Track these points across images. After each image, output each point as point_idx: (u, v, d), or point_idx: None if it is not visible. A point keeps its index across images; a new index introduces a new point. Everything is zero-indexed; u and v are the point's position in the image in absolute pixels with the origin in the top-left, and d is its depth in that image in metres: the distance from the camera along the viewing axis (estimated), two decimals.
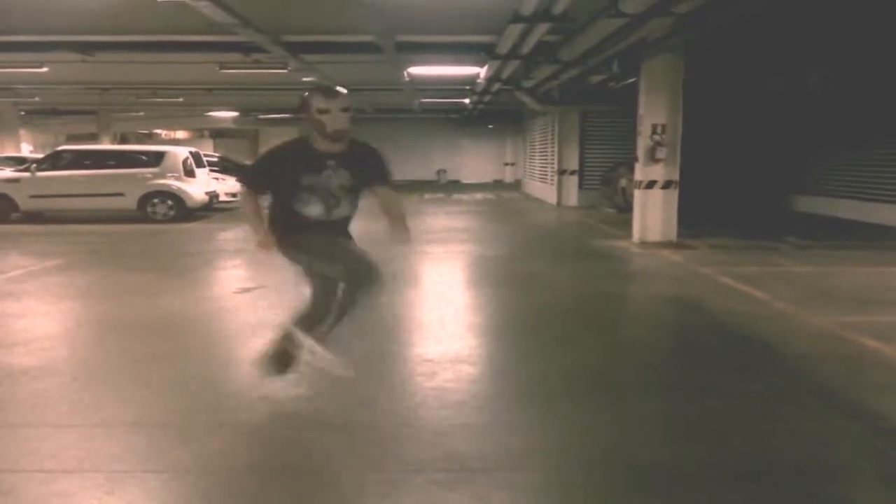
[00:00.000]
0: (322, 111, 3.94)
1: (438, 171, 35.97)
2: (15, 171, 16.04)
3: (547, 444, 3.75)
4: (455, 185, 33.36)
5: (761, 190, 18.49)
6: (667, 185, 11.39)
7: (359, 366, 4.60)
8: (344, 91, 4.11)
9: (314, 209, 4.07)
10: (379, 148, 4.33)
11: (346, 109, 3.99)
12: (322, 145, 4.05)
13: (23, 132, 28.88)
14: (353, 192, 4.17)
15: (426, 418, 4.07)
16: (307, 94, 4.06)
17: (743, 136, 18.73)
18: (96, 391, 4.53)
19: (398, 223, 4.36)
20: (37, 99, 23.29)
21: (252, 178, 4.31)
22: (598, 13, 9.50)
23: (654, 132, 11.19)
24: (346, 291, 4.17)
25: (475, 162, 37.30)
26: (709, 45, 11.66)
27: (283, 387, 4.58)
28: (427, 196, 25.27)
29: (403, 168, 34.81)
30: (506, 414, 4.20)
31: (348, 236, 4.33)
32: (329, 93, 4.03)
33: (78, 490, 3.17)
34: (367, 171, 4.21)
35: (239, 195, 4.42)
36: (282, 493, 3.21)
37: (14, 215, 15.16)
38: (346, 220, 4.27)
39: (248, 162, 22.96)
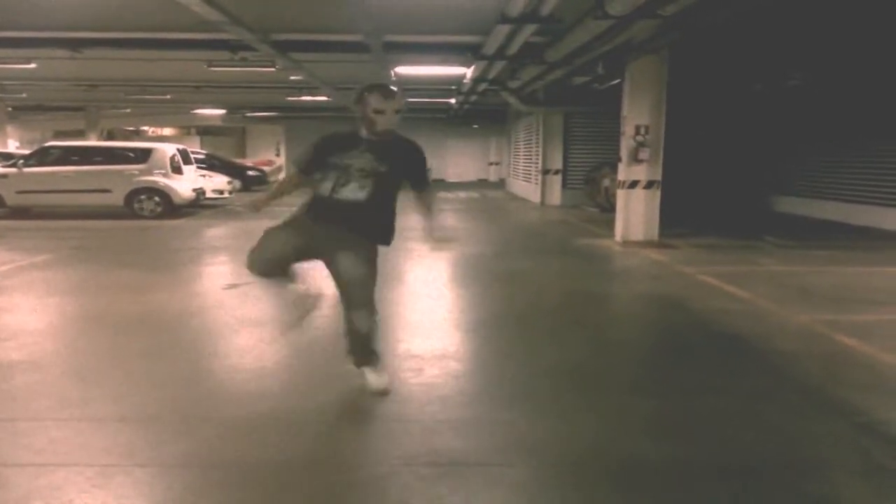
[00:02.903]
0: (377, 111, 4.03)
1: None
2: (2, 166, 15.97)
3: (532, 440, 3.81)
4: (440, 184, 33.30)
5: (743, 190, 18.68)
6: (649, 185, 11.50)
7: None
8: (398, 92, 4.17)
9: (325, 186, 4.11)
10: (422, 148, 4.31)
11: (398, 111, 4.10)
12: (365, 134, 4.15)
13: (9, 128, 28.70)
14: (374, 180, 4.09)
15: (413, 413, 4.13)
16: (366, 89, 4.11)
17: (725, 137, 18.91)
18: (84, 386, 4.56)
19: (429, 227, 4.42)
20: (24, 95, 23.17)
21: (301, 157, 4.34)
22: (585, 15, 9.59)
23: (637, 133, 11.30)
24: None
25: (460, 161, 37.33)
26: (692, 47, 11.78)
27: (271, 382, 4.65)
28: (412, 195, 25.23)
29: None
30: (492, 410, 4.26)
31: (355, 235, 4.17)
32: (387, 94, 4.08)
33: (67, 483, 3.19)
34: (402, 168, 4.20)
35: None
36: (269, 486, 3.25)
37: (0, 211, 15.10)
38: (357, 207, 4.10)
39: (236, 160, 22.98)
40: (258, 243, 4.26)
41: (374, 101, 4.03)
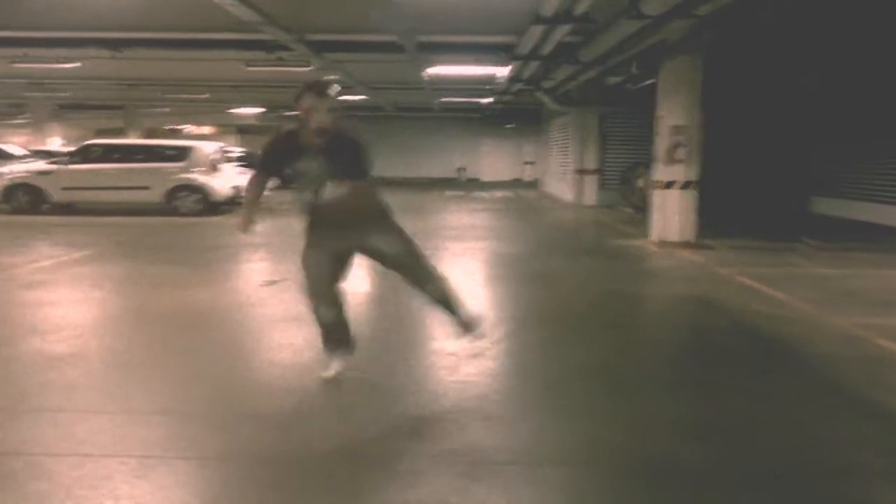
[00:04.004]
0: (311, 108, 4.11)
1: (458, 170, 36.04)
2: (46, 163, 16.32)
3: (567, 439, 3.82)
4: (475, 184, 33.34)
5: (780, 191, 18.39)
6: (685, 185, 11.38)
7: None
8: (335, 90, 4.27)
9: (306, 194, 4.27)
10: (361, 141, 4.29)
11: (332, 109, 4.17)
12: (306, 134, 4.20)
13: (54, 126, 29.28)
14: (340, 176, 4.19)
15: (449, 411, 4.16)
16: (302, 87, 4.20)
17: (762, 137, 18.63)
18: (126, 379, 4.66)
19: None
20: (67, 94, 23.63)
21: (260, 163, 4.55)
22: (619, 14, 9.56)
23: (673, 133, 11.20)
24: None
25: (494, 160, 37.26)
26: (728, 44, 11.65)
27: (309, 379, 4.69)
28: (448, 193, 25.35)
29: (424, 166, 34.89)
30: (526, 408, 4.29)
31: (365, 214, 4.38)
32: (320, 92, 4.16)
33: (110, 474, 3.27)
34: (344, 162, 4.22)
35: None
36: (307, 481, 3.31)
37: (45, 206, 15.41)
38: (345, 200, 4.23)
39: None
40: (305, 278, 4.46)
41: (307, 97, 4.12)
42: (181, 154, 15.66)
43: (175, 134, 38.24)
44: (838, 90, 15.75)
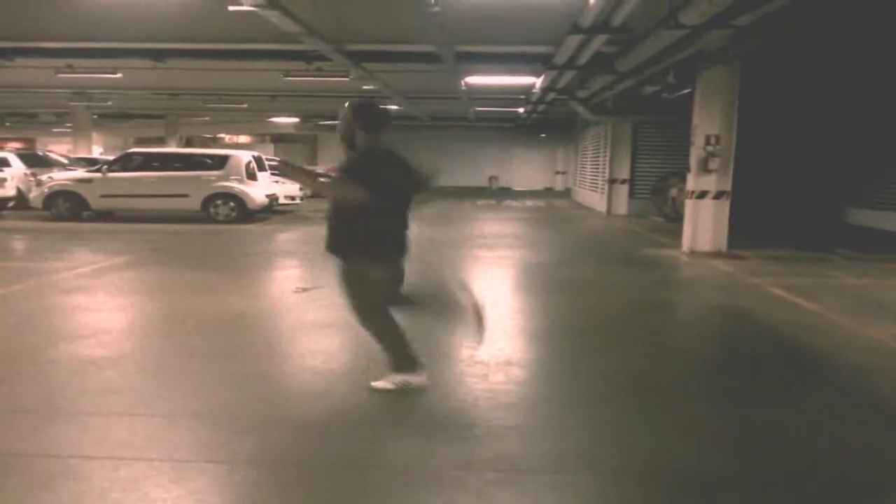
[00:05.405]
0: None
1: (490, 178, 36.10)
2: (87, 171, 16.64)
3: (595, 448, 3.82)
4: (506, 192, 33.38)
5: (814, 201, 18.11)
6: (718, 195, 11.31)
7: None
8: None
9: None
10: None
11: None
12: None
13: (94, 135, 29.83)
14: None
15: (477, 419, 4.17)
16: (380, 104, 4.21)
17: (796, 147, 18.37)
18: (161, 383, 4.73)
19: None
20: (109, 103, 24.10)
21: (369, 181, 4.07)
22: (657, 25, 9.52)
23: (707, 143, 11.14)
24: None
25: (526, 170, 37.27)
26: (764, 54, 11.53)
27: (340, 385, 4.75)
28: (479, 202, 25.36)
29: (456, 174, 34.96)
30: (554, 417, 4.28)
31: None
32: None
33: (144, 477, 3.32)
34: None
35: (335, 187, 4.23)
36: (335, 486, 3.34)
37: (85, 214, 15.70)
38: None
39: (308, 166, 23.39)
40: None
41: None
42: (219, 163, 15.89)
43: (212, 142, 38.81)
44: (877, 99, 15.48)
